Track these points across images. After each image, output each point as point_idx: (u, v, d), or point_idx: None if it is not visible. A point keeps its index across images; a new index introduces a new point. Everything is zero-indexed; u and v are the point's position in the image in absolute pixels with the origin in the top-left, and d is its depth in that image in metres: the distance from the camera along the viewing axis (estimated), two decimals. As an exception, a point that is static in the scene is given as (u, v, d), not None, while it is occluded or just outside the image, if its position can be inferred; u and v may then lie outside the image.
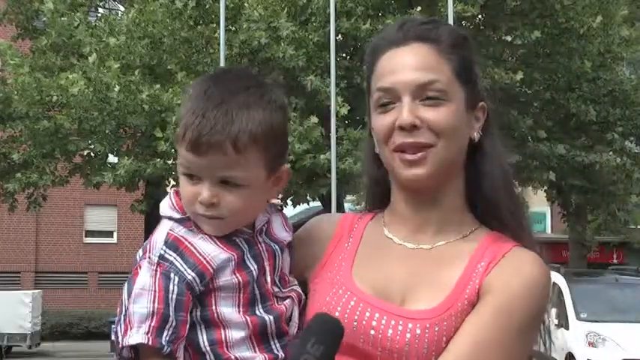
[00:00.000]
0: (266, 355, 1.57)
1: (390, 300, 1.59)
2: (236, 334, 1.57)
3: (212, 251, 1.59)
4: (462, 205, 1.69)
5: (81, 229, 33.52)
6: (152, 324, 1.52)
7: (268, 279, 1.62)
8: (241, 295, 1.59)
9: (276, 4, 13.79)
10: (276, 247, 1.66)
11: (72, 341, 29.12)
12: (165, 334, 1.52)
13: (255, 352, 1.56)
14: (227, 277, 1.58)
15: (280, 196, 15.61)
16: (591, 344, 12.95)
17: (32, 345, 24.20)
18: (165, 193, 1.75)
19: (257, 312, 1.59)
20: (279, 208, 1.77)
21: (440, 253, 1.64)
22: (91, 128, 14.94)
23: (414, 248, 1.66)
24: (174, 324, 1.53)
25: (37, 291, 26.02)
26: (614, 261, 27.61)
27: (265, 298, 1.60)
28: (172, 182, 15.13)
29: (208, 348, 1.56)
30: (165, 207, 1.64)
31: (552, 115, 16.42)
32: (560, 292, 13.75)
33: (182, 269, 1.56)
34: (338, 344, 1.52)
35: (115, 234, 33.78)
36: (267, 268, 1.62)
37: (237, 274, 1.59)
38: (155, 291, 1.54)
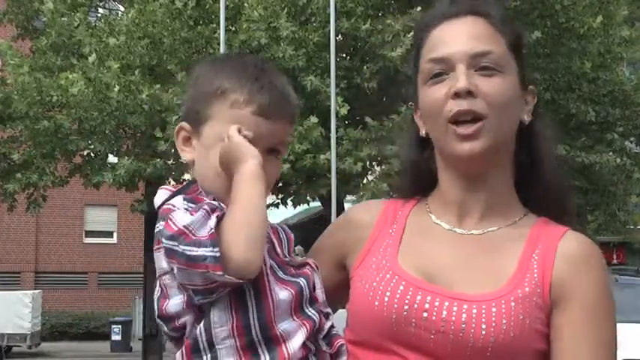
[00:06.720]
0: (305, 322, 1.55)
1: (438, 283, 1.55)
2: (282, 305, 1.54)
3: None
4: (510, 188, 1.65)
5: (81, 229, 33.55)
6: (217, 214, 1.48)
7: (278, 250, 1.62)
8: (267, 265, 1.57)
9: (276, 4, 13.77)
10: (277, 225, 1.67)
11: (72, 341, 29.17)
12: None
13: (294, 320, 1.55)
14: None
15: (281, 196, 15.60)
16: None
17: (32, 345, 24.22)
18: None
19: (287, 278, 1.58)
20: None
21: (491, 239, 1.60)
22: (91, 128, 14.93)
23: (463, 234, 1.63)
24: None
25: (37, 291, 26.04)
26: (615, 261, 27.57)
27: (284, 269, 1.60)
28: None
29: (257, 324, 1.52)
30: (162, 195, 1.59)
31: (552, 115, 16.40)
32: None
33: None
34: None
35: (115, 234, 33.80)
36: (275, 242, 1.62)
37: None
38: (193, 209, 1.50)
